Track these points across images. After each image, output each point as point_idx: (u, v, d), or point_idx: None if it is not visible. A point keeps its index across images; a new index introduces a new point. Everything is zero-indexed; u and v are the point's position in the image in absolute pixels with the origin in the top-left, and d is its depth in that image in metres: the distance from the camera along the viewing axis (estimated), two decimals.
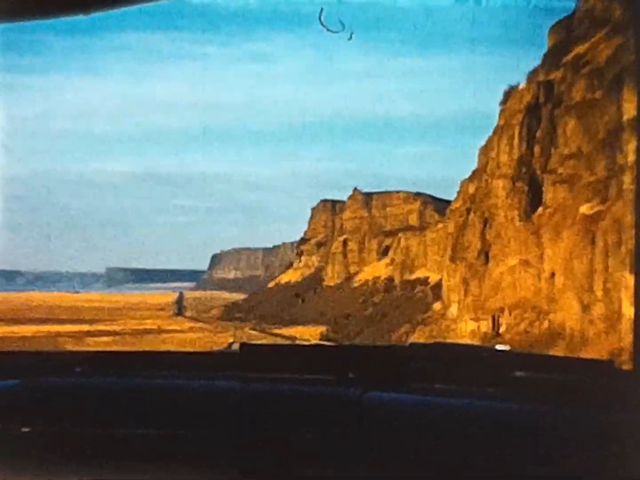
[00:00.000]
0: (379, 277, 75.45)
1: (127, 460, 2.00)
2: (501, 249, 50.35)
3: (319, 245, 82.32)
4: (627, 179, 38.05)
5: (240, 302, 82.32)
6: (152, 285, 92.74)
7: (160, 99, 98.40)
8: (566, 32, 50.10)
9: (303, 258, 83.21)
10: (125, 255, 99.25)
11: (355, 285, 76.57)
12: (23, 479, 1.98)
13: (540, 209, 48.61)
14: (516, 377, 2.24)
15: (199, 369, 2.47)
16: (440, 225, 66.17)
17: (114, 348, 58.45)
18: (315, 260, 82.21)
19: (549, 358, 3.31)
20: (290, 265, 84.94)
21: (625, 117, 38.97)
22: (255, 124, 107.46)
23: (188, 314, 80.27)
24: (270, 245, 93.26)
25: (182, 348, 61.06)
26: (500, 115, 52.81)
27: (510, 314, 48.79)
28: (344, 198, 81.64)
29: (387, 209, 78.50)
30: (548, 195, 48.09)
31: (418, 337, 56.59)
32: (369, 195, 79.77)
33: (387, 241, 77.11)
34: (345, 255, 79.10)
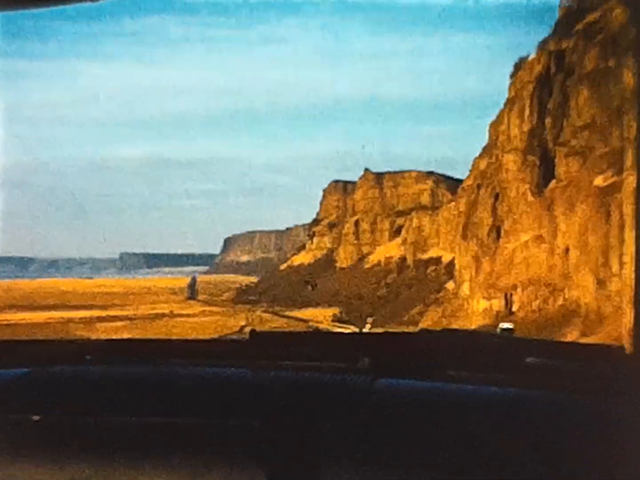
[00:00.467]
0: (391, 258, 74.40)
1: (138, 449, 1.98)
2: (513, 225, 48.70)
3: (331, 226, 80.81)
4: None
5: (252, 285, 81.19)
6: (165, 269, 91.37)
7: (171, 84, 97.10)
8: (578, 0, 47.89)
9: (315, 239, 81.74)
10: (139, 240, 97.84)
11: (368, 266, 75.46)
12: (34, 467, 1.97)
13: (552, 183, 46.93)
14: (527, 364, 2.17)
15: (209, 356, 2.43)
16: (452, 204, 64.68)
17: (125, 333, 59.05)
18: (327, 241, 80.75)
19: (560, 344, 3.33)
20: (303, 247, 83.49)
21: None
22: (267, 106, 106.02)
23: (200, 297, 78.72)
24: (284, 228, 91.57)
25: (194, 332, 61.14)
26: (510, 87, 50.79)
27: (523, 292, 47.34)
28: (356, 179, 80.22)
29: (399, 188, 77.04)
30: (561, 168, 46.30)
31: (431, 316, 56.27)
32: (380, 175, 78.17)
33: (400, 221, 75.66)
34: (357, 236, 77.87)
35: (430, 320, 54.92)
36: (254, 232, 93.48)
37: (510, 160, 48.90)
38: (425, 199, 74.30)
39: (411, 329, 55.88)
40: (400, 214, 75.42)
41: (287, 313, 69.29)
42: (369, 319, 63.72)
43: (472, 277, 50.99)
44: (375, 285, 71.79)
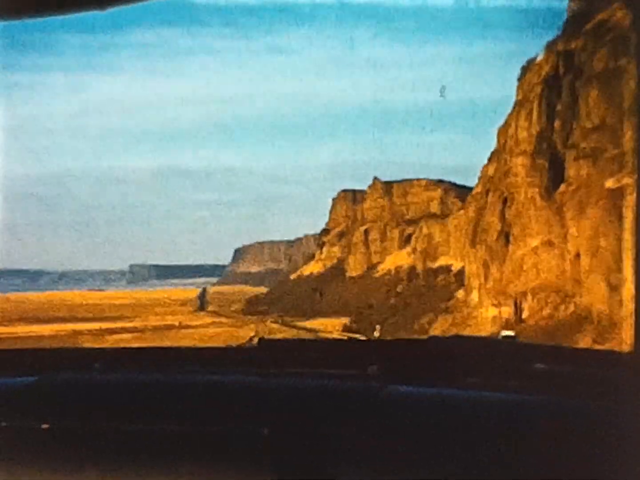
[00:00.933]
0: (401, 266, 72.96)
1: (146, 457, 1.99)
2: (522, 230, 47.02)
3: (341, 235, 79.63)
4: None
5: (262, 296, 79.97)
6: (175, 281, 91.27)
7: (180, 94, 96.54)
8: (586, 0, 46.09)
9: (325, 249, 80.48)
10: (149, 251, 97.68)
11: (378, 275, 74.03)
12: (43, 475, 1.98)
13: (562, 186, 45.18)
14: (536, 370, 2.18)
15: (218, 364, 2.42)
16: (461, 212, 63.42)
17: (134, 345, 57.29)
18: (337, 251, 79.49)
19: (569, 350, 3.05)
20: (313, 257, 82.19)
21: None
22: (276, 116, 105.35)
23: (210, 308, 78.02)
24: (293, 238, 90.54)
25: (203, 343, 59.64)
26: (517, 89, 48.92)
27: (533, 298, 45.80)
28: (365, 188, 78.81)
29: (408, 197, 75.63)
30: (570, 171, 44.62)
31: (440, 325, 55.16)
32: (389, 184, 76.71)
33: (409, 229, 74.23)
34: (367, 245, 76.52)
35: (439, 329, 53.90)
36: (263, 242, 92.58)
37: (519, 164, 47.09)
38: (434, 207, 73.06)
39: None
40: (410, 222, 74.06)
41: (296, 323, 68.03)
42: (377, 327, 62.85)
43: (481, 284, 49.29)
44: (385, 294, 70.41)
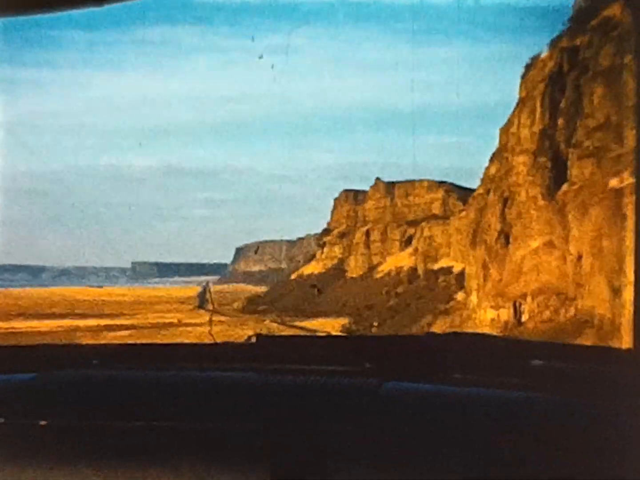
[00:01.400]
0: (402, 268, 71.80)
1: (144, 453, 1.97)
2: (523, 230, 45.27)
3: (342, 235, 78.45)
4: None
5: (262, 295, 78.91)
6: (177, 278, 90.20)
7: (183, 93, 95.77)
8: None
9: (325, 249, 79.24)
10: (151, 249, 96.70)
11: (378, 276, 72.85)
12: (41, 472, 1.97)
13: (565, 186, 43.32)
14: (533, 366, 2.17)
15: (215, 360, 2.41)
16: (463, 213, 62.30)
17: (132, 341, 57.29)
18: (337, 251, 78.34)
19: (565, 347, 2.88)
20: (313, 256, 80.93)
21: None
22: (279, 116, 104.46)
23: (210, 307, 76.38)
24: (294, 238, 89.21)
25: (201, 341, 58.89)
26: (520, 87, 46.99)
27: (533, 301, 44.04)
28: (367, 188, 77.96)
29: (410, 198, 74.48)
30: (573, 170, 42.73)
31: (438, 327, 53.85)
32: (391, 185, 75.61)
33: (410, 231, 73.16)
34: (367, 246, 75.35)
35: (438, 330, 51.95)
36: (265, 241, 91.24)
37: (520, 163, 45.29)
38: (436, 208, 71.94)
39: None
40: (411, 223, 73.02)
41: (295, 323, 67.11)
42: (375, 323, 62.11)
43: (479, 285, 47.70)
44: (386, 295, 69.22)
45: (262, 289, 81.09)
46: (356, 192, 78.05)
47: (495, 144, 49.50)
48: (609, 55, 41.07)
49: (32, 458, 1.98)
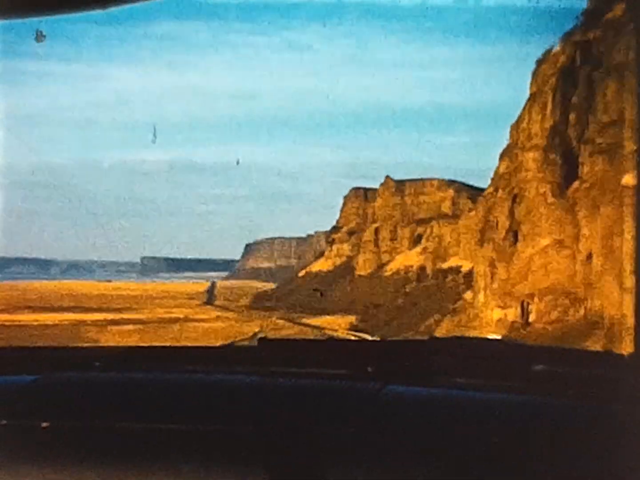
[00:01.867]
0: (411, 266, 70.50)
1: (147, 455, 1.97)
2: (532, 228, 44.13)
3: (351, 233, 76.97)
4: None
5: (269, 291, 77.48)
6: (186, 274, 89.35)
7: (196, 88, 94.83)
8: None
9: (334, 247, 77.66)
10: (160, 244, 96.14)
11: (387, 274, 71.50)
12: (43, 473, 1.96)
13: (575, 183, 42.20)
14: (535, 371, 2.15)
15: (218, 363, 2.41)
16: (472, 212, 61.08)
17: (136, 336, 57.59)
18: (346, 248, 76.74)
19: (568, 351, 3.00)
20: (322, 254, 79.37)
21: None
22: (289, 113, 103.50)
23: (218, 302, 75.32)
24: (304, 235, 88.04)
25: (206, 337, 58.70)
26: (532, 82, 45.44)
27: (541, 301, 42.93)
28: (377, 186, 76.09)
29: (420, 196, 73.16)
30: (585, 167, 41.65)
31: (446, 326, 53.19)
32: (401, 183, 74.12)
33: (420, 229, 71.92)
34: (377, 244, 73.91)
35: (444, 330, 52.07)
36: (274, 238, 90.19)
37: (530, 159, 43.87)
38: (446, 207, 70.60)
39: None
40: (421, 222, 71.77)
41: (302, 320, 65.86)
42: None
43: (486, 284, 46.33)
44: (394, 294, 68.04)
45: (270, 285, 79.88)
46: (366, 190, 76.69)
47: (503, 143, 48.44)
48: (623, 49, 39.60)
49: (35, 459, 1.95)
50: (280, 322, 65.19)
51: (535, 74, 45.53)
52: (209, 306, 73.60)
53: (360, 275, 73.06)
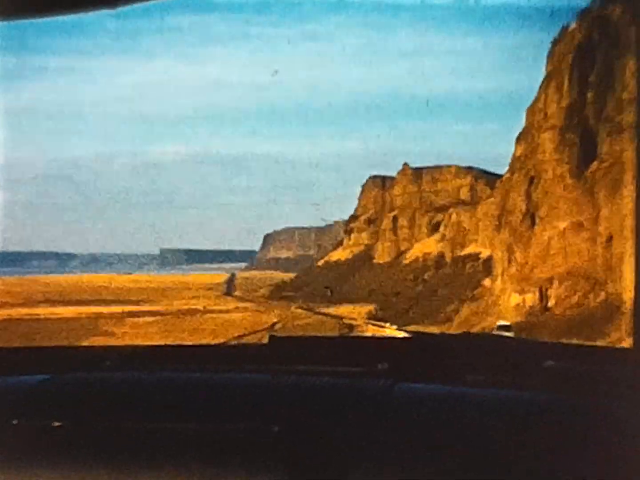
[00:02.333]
0: (429, 254, 69.52)
1: (157, 455, 1.95)
2: (549, 211, 42.44)
3: (369, 222, 76.02)
4: None
5: (289, 282, 76.27)
6: (205, 265, 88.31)
7: (213, 80, 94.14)
8: None
9: (353, 235, 76.64)
10: (179, 236, 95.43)
11: (406, 262, 70.44)
12: (54, 473, 1.95)
13: (594, 164, 40.49)
14: (545, 367, 2.15)
15: (228, 361, 2.42)
16: (491, 199, 59.93)
17: (154, 328, 56.72)
18: (365, 237, 75.72)
19: (577, 347, 2.96)
20: (341, 243, 78.32)
21: None
22: (308, 103, 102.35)
23: (237, 293, 74.42)
24: (323, 224, 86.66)
25: (224, 328, 57.64)
26: (548, 60, 43.57)
27: (560, 285, 41.23)
28: (395, 174, 74.88)
29: (438, 184, 71.97)
30: (604, 147, 39.99)
31: (464, 314, 52.42)
32: (419, 170, 72.98)
33: (438, 217, 70.74)
34: (395, 232, 72.83)
35: (463, 317, 51.25)
36: (293, 228, 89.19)
37: (547, 139, 42.10)
38: (464, 194, 69.40)
39: (445, 327, 54.61)
40: (439, 209, 70.62)
41: (321, 309, 64.51)
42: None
43: (504, 269, 44.74)
44: (413, 282, 67.13)
45: (289, 275, 78.70)
46: (383, 178, 75.45)
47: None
48: None
49: (46, 459, 1.93)
50: (299, 311, 64.10)
51: (550, 53, 43.73)
52: (228, 297, 72.46)
53: (378, 264, 72.07)
